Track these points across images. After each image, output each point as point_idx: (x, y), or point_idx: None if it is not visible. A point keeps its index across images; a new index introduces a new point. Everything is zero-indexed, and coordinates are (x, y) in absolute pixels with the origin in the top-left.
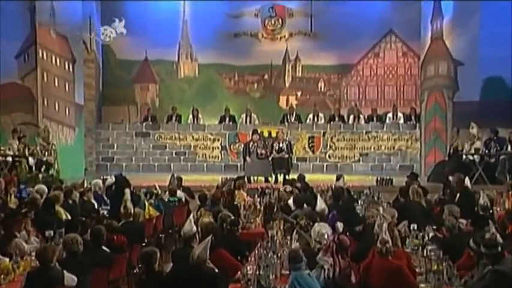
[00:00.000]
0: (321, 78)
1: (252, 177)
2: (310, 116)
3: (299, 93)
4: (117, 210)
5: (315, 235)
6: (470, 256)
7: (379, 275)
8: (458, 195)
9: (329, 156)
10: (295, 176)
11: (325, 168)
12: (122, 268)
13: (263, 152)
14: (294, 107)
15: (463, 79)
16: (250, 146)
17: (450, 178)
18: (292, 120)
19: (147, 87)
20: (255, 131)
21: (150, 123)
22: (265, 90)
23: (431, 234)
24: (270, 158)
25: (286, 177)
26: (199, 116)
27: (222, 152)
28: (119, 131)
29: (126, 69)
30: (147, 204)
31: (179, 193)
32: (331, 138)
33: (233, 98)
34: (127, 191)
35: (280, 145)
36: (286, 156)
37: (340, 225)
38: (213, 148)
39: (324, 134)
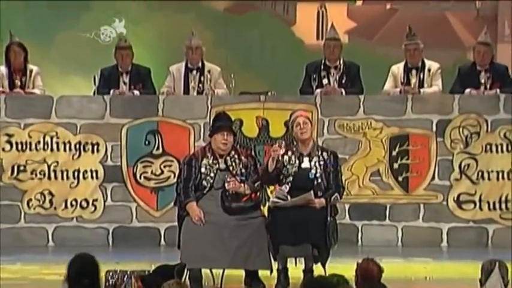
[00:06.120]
0: None
1: (208, 271)
2: (398, 68)
3: None
4: None
5: None
6: None
7: None
8: None
9: (458, 202)
10: (350, 267)
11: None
12: None
13: (244, 186)
14: (344, 40)
15: None
16: (203, 167)
17: None
18: (337, 84)
19: None
20: (220, 120)
21: None
22: None
23: None
24: (266, 206)
25: (318, 269)
26: (33, 69)
27: (105, 189)
28: None
29: None
30: None
31: None
32: (467, 143)
33: (144, 12)
34: None
35: (303, 164)
36: (320, 201)
37: None
38: (76, 174)
39: (444, 129)
